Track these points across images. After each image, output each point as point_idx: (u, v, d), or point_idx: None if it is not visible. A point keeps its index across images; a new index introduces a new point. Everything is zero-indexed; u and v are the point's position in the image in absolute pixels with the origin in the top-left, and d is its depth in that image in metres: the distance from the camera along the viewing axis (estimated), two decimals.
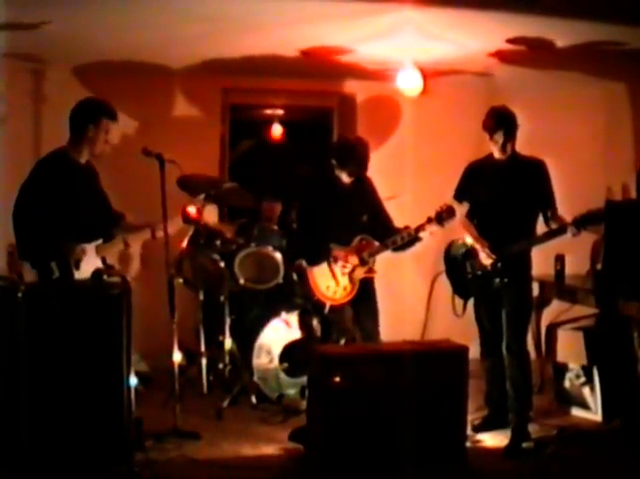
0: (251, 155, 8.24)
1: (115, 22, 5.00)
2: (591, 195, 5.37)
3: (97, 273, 4.25)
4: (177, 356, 4.75)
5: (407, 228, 5.10)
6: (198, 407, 5.27)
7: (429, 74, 5.87)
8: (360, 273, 5.17)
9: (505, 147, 4.76)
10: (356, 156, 5.16)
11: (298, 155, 8.19)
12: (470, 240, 4.90)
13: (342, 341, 5.29)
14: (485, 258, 4.79)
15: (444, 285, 5.16)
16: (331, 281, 5.17)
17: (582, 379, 5.29)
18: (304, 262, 5.31)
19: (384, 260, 5.35)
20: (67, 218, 4.39)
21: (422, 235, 5.03)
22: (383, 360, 4.31)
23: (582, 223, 4.52)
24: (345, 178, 5.23)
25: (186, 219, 4.94)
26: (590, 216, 4.51)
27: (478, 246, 4.84)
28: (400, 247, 5.15)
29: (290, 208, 6.11)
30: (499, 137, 4.73)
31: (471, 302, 4.98)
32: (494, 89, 6.34)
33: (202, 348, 5.68)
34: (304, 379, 5.03)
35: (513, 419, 4.83)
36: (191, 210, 4.92)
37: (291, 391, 5.42)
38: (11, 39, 5.25)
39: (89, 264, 4.42)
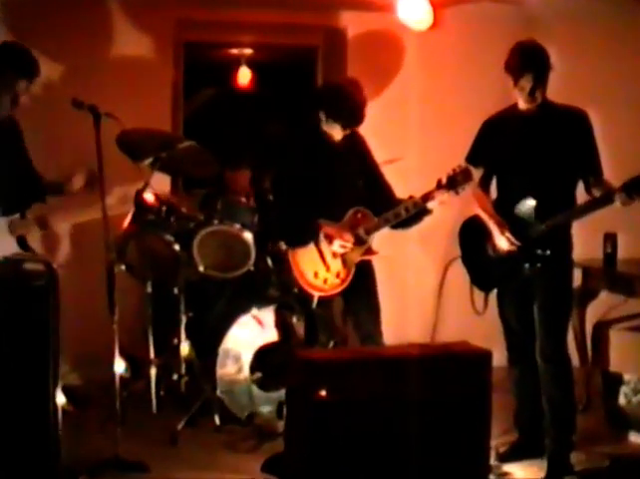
0: (212, 107, 8.22)
1: None
2: None
3: (15, 261, 4.20)
4: (120, 366, 4.74)
5: (411, 197, 5.07)
6: (146, 430, 5.28)
7: (439, 2, 5.83)
8: (356, 256, 5.15)
9: (534, 93, 4.73)
10: (351, 102, 5.13)
11: (272, 107, 8.16)
12: (483, 217, 4.91)
13: (331, 344, 5.32)
14: (505, 245, 4.78)
15: (460, 274, 5.16)
16: (320, 267, 5.16)
17: None
18: (283, 244, 5.28)
19: (383, 241, 5.33)
20: None
21: (431, 205, 5.01)
22: (383, 369, 4.26)
23: (634, 188, 4.49)
24: (336, 133, 5.21)
25: (141, 205, 4.92)
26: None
27: (494, 228, 4.84)
28: (404, 223, 5.13)
29: (263, 175, 6.07)
30: (527, 81, 4.69)
31: (494, 296, 5.00)
32: (522, 21, 6.36)
33: (152, 355, 5.67)
34: (282, 394, 5.02)
35: (551, 446, 4.84)
36: (149, 197, 4.90)
37: (265, 409, 5.44)
38: None
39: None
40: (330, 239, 5.11)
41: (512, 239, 4.75)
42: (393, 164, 5.66)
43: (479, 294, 4.99)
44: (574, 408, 4.99)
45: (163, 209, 5.59)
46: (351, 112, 5.14)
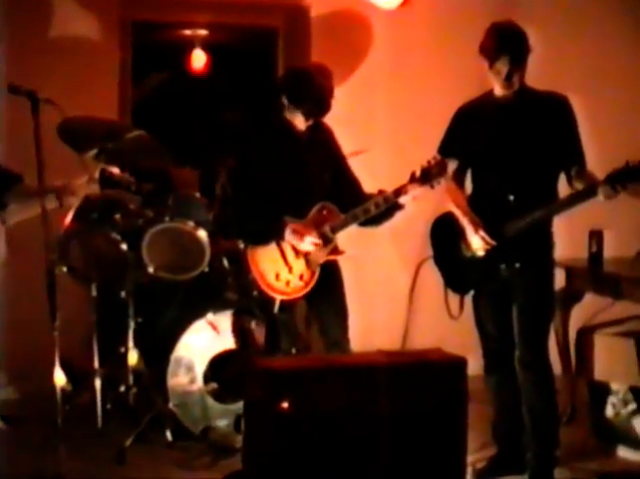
0: (163, 92, 8.18)
1: None
2: (631, 147, 5.35)
3: None
4: (61, 377, 4.66)
5: (382, 192, 5.05)
6: (92, 447, 5.27)
7: None
8: (321, 256, 5.12)
9: (511, 78, 4.72)
10: (316, 90, 5.10)
11: (228, 93, 8.13)
12: (457, 214, 4.90)
13: (294, 351, 5.30)
14: (479, 244, 4.78)
15: (433, 275, 5.15)
16: (282, 267, 5.13)
17: (632, 406, 5.32)
18: (241, 242, 5.26)
19: (350, 240, 5.30)
20: None
21: (403, 200, 4.98)
22: (349, 378, 4.25)
23: (618, 179, 4.49)
24: (300, 122, 5.19)
25: (109, 181, 4.88)
26: (629, 170, 4.48)
27: (467, 226, 4.84)
28: (373, 219, 5.11)
29: (218, 166, 6.04)
30: (503, 65, 4.69)
31: (469, 299, 5.00)
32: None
33: (96, 365, 5.64)
34: (239, 406, 5.02)
35: (532, 461, 4.85)
36: (115, 170, 4.89)
37: (222, 423, 5.44)
38: None
39: None
40: (300, 237, 5.08)
41: (487, 239, 4.75)
42: (360, 155, 5.64)
43: (453, 297, 4.98)
44: (557, 420, 5.01)
45: (109, 205, 5.57)
46: (315, 100, 5.11)
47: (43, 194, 4.57)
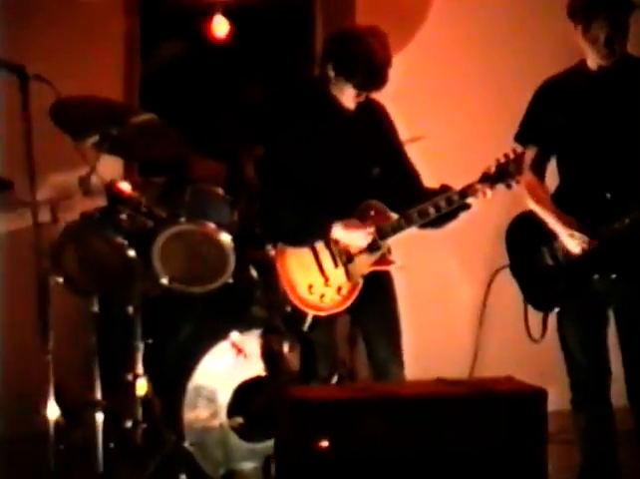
0: (178, 66, 8.21)
1: None
2: None
3: None
4: (54, 410, 4.71)
5: (445, 188, 5.06)
6: None
7: None
8: (366, 266, 5.15)
9: (612, 44, 4.71)
10: (371, 55, 5.04)
11: (255, 66, 8.15)
12: (539, 212, 4.92)
13: (334, 379, 5.33)
14: (573, 244, 4.77)
15: (508, 288, 5.13)
16: (316, 277, 5.18)
17: None
18: (271, 248, 5.31)
19: (402, 245, 5.31)
20: None
21: (470, 200, 4.98)
22: (401, 412, 4.28)
23: None
24: (348, 98, 5.17)
25: (117, 199, 4.93)
26: None
27: (556, 226, 4.85)
28: (432, 221, 5.11)
29: (245, 156, 6.07)
30: (600, 28, 4.68)
31: (553, 318, 4.99)
32: None
33: (97, 395, 5.66)
34: (269, 445, 5.08)
35: None
36: (125, 186, 4.98)
37: (248, 465, 5.51)
38: None
39: None
40: (354, 229, 5.07)
41: (585, 238, 4.74)
42: (415, 143, 5.63)
43: (534, 315, 4.97)
44: None
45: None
46: (369, 68, 5.05)
47: (33, 190, 4.63)
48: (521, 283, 5.03)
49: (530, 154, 4.93)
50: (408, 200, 5.13)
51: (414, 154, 5.43)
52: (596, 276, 4.80)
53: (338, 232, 5.08)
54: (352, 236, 5.07)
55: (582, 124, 4.83)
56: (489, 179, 4.90)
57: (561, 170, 4.98)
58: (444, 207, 5.00)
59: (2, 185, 4.80)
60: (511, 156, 4.86)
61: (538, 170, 4.98)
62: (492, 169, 4.89)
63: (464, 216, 5.13)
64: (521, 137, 4.99)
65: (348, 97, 5.14)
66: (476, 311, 5.06)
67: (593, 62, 4.80)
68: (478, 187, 4.93)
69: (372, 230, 5.07)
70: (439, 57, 6.76)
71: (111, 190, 5.04)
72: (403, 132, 5.47)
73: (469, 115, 6.67)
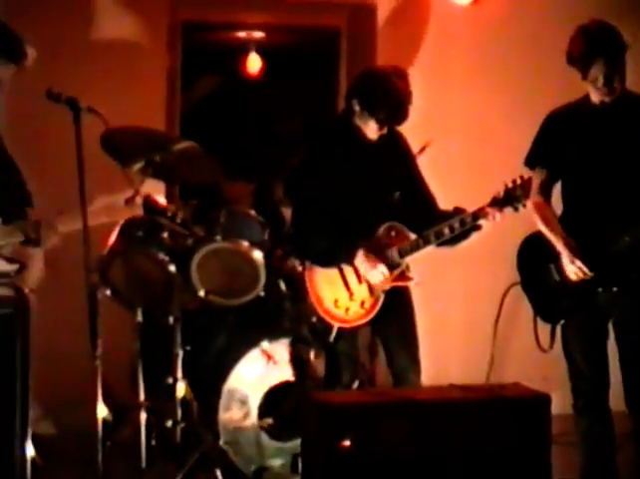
0: (216, 100, 8.24)
1: None
2: None
3: None
4: (102, 410, 4.71)
5: (458, 210, 5.04)
6: None
7: None
8: (386, 282, 5.12)
9: (611, 82, 4.69)
10: (393, 93, 5.05)
11: (286, 100, 8.17)
12: (545, 232, 4.88)
13: (355, 384, 5.30)
14: (572, 270, 4.75)
15: (520, 303, 5.11)
16: (342, 292, 5.15)
17: None
18: (299, 264, 5.32)
19: (421, 264, 5.28)
20: None
21: (481, 222, 4.97)
22: (417, 415, 4.28)
23: None
24: (372, 131, 5.16)
25: (152, 210, 5.00)
26: None
27: (561, 250, 4.82)
28: (448, 241, 5.10)
29: (273, 181, 6.07)
30: (599, 70, 4.66)
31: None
32: None
33: (141, 397, 5.66)
34: (296, 444, 5.04)
35: None
36: (160, 199, 5.02)
37: (277, 462, 5.49)
38: None
39: None
40: (372, 265, 5.05)
41: (585, 270, 4.70)
42: (433, 166, 5.60)
43: (543, 327, 4.93)
44: None
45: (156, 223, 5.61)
46: (392, 105, 5.06)
47: (84, 212, 4.64)
48: (531, 298, 5.00)
49: (537, 178, 4.91)
50: (425, 221, 5.11)
51: (432, 177, 5.41)
52: (600, 290, 4.76)
53: (359, 261, 5.06)
54: (369, 269, 5.05)
55: (586, 153, 4.80)
56: (498, 203, 4.87)
57: (566, 193, 4.95)
58: (457, 228, 4.98)
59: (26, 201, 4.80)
60: (519, 181, 4.84)
61: (545, 192, 4.95)
62: (501, 193, 4.87)
63: (476, 236, 5.10)
64: (530, 161, 4.97)
65: (371, 129, 5.14)
66: (490, 324, 5.02)
67: (596, 97, 4.77)
68: (488, 210, 4.90)
69: (385, 268, 5.05)
70: (451, 87, 6.75)
71: (147, 202, 5.04)
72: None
73: (482, 141, 6.66)
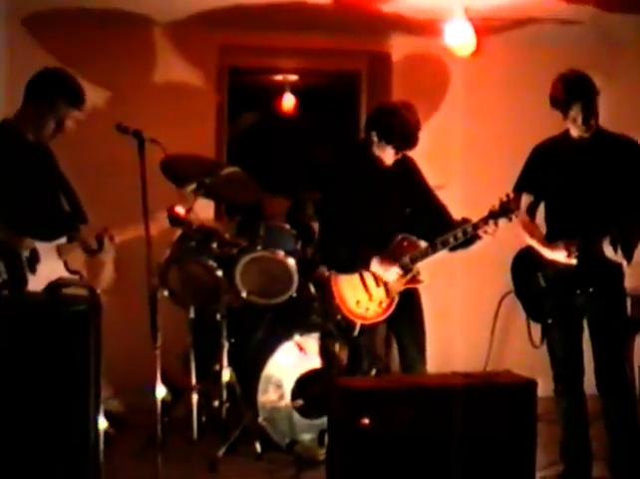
0: (256, 132, 8.25)
1: None
2: None
3: (54, 286, 4.23)
4: (161, 391, 4.70)
5: (465, 220, 5.03)
6: (187, 457, 5.31)
7: (484, 29, 5.86)
8: (400, 284, 5.12)
9: (589, 121, 4.70)
10: (406, 124, 5.05)
11: (316, 133, 8.17)
12: (533, 244, 4.88)
13: (373, 372, 5.28)
14: (561, 256, 4.73)
15: (514, 306, 5.08)
16: (362, 295, 5.14)
17: None
18: (326, 271, 5.28)
19: (430, 269, 5.26)
20: (7, 205, 4.42)
21: (480, 232, 4.95)
22: (425, 398, 4.27)
23: None
24: (387, 157, 5.15)
25: (174, 220, 5.02)
26: None
27: (544, 250, 4.81)
28: (457, 246, 5.08)
29: (305, 200, 6.08)
30: (577, 112, 4.68)
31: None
32: (567, 44, 6.25)
33: (193, 381, 5.69)
34: (323, 421, 5.00)
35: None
36: (180, 209, 5.00)
37: (307, 437, 5.46)
38: None
39: (47, 269, 4.45)
40: (386, 267, 5.06)
41: (568, 245, 4.68)
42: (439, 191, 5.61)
43: (534, 327, 4.91)
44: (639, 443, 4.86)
45: (206, 235, 5.61)
46: (406, 134, 5.06)
47: (147, 225, 4.66)
48: (523, 303, 4.98)
49: (525, 201, 4.91)
50: (438, 229, 5.08)
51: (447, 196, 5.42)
52: (578, 292, 4.76)
53: (374, 266, 5.07)
54: (384, 271, 5.06)
55: (566, 180, 4.80)
56: (495, 214, 4.87)
57: (548, 215, 4.95)
58: (460, 237, 4.97)
59: (82, 219, 4.82)
60: (511, 196, 4.85)
61: (531, 213, 4.95)
62: (497, 206, 4.87)
63: (482, 249, 5.10)
64: (518, 187, 4.95)
65: (388, 156, 5.13)
66: (488, 323, 5.00)
67: (575, 132, 4.79)
68: (485, 221, 4.91)
69: (398, 268, 5.05)
70: (452, 123, 6.74)
71: (170, 212, 5.06)
72: (431, 177, 5.41)
73: (474, 166, 6.67)
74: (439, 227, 5.12)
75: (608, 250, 4.53)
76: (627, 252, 4.53)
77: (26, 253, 4.41)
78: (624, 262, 4.58)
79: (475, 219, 4.97)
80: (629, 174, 4.73)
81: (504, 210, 4.85)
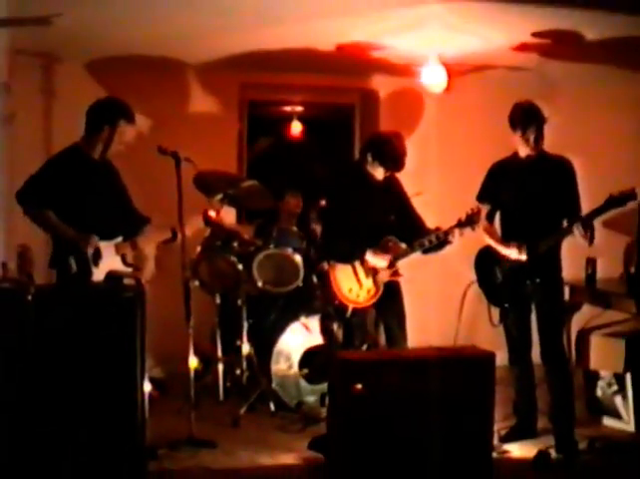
0: (270, 153, 8.25)
1: (128, 16, 5.02)
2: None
3: (111, 275, 4.27)
4: (193, 362, 4.76)
5: (438, 229, 5.05)
6: (214, 414, 5.28)
7: (453, 72, 5.86)
8: (385, 277, 5.12)
9: (538, 141, 4.73)
10: (397, 152, 5.09)
11: (318, 153, 8.17)
12: (492, 244, 4.89)
13: (364, 347, 5.25)
14: (514, 253, 4.74)
15: (477, 294, 5.07)
16: (354, 284, 5.14)
17: (614, 388, 5.25)
18: (325, 264, 5.27)
19: (410, 265, 5.26)
20: (79, 212, 4.47)
21: (451, 238, 4.97)
22: (406, 367, 4.26)
23: (582, 221, 4.48)
24: (379, 174, 5.16)
25: (208, 221, 5.11)
26: (591, 212, 4.49)
27: (501, 249, 4.83)
28: (428, 250, 5.11)
29: (310, 207, 6.09)
30: (532, 133, 4.70)
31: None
32: (519, 86, 6.22)
33: (219, 354, 5.68)
34: (324, 386, 4.99)
35: (559, 426, 4.80)
36: (212, 213, 5.08)
37: (311, 399, 5.44)
38: (21, 34, 5.28)
39: (107, 263, 4.48)
40: (380, 257, 5.06)
41: (518, 245, 4.70)
42: (418, 197, 5.61)
43: (493, 310, 4.93)
44: (573, 398, 4.88)
45: (229, 236, 5.61)
46: (396, 159, 5.09)
47: (182, 228, 4.70)
48: (484, 290, 4.99)
49: (485, 209, 4.94)
50: (415, 234, 5.10)
51: (422, 206, 5.40)
52: (528, 282, 4.78)
53: (369, 256, 5.09)
54: (377, 260, 5.09)
55: (516, 192, 4.81)
56: (462, 224, 4.91)
57: (503, 219, 4.96)
58: (434, 241, 5.00)
59: (144, 220, 4.86)
60: (476, 209, 4.88)
61: (490, 218, 4.97)
62: (463, 217, 4.90)
63: (451, 248, 5.10)
64: (480, 197, 4.98)
65: (379, 173, 5.14)
66: (457, 308, 5.01)
67: (523, 153, 4.80)
68: (455, 229, 4.93)
69: (389, 257, 5.07)
70: (428, 144, 6.72)
71: (205, 215, 5.12)
72: (409, 190, 5.39)
73: (446, 180, 6.65)
74: (416, 232, 5.14)
75: (579, 231, 4.50)
76: (592, 236, 4.52)
77: (91, 251, 4.44)
78: (587, 243, 4.54)
79: (445, 227, 4.99)
80: (565, 187, 4.76)
81: (469, 220, 4.87)
